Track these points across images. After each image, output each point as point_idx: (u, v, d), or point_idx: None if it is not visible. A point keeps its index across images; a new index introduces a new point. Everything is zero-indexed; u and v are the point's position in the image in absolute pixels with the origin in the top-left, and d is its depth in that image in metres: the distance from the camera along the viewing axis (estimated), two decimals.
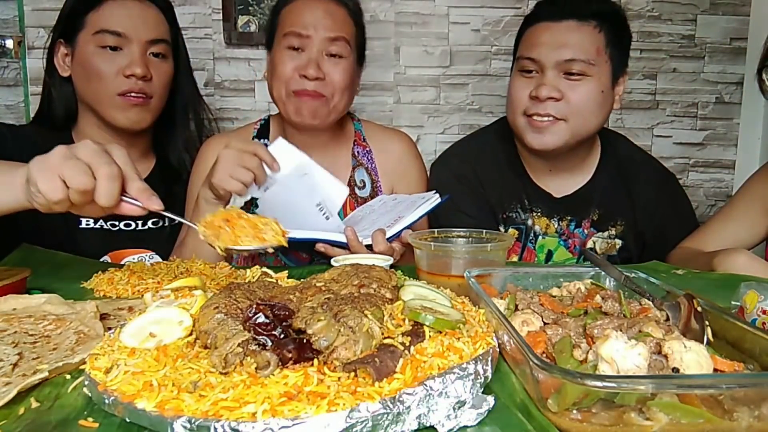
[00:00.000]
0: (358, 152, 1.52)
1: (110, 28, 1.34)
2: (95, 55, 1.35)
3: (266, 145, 1.44)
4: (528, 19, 1.43)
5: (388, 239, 1.14)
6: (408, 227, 1.17)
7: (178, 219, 0.88)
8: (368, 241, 1.14)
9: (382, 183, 1.52)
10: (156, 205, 0.81)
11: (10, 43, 2.04)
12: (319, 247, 1.15)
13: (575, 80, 1.33)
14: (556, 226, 1.51)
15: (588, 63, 1.32)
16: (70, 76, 1.42)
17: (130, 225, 1.46)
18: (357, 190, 1.49)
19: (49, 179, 0.77)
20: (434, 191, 1.27)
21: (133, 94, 1.37)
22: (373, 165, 1.53)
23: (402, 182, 1.53)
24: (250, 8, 2.08)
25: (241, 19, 2.09)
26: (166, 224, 1.51)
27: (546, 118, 1.35)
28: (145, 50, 1.38)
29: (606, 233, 1.51)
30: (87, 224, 1.42)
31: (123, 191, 0.80)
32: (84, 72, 1.38)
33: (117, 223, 1.45)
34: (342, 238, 1.14)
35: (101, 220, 1.44)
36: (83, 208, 0.81)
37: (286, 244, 0.86)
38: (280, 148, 1.20)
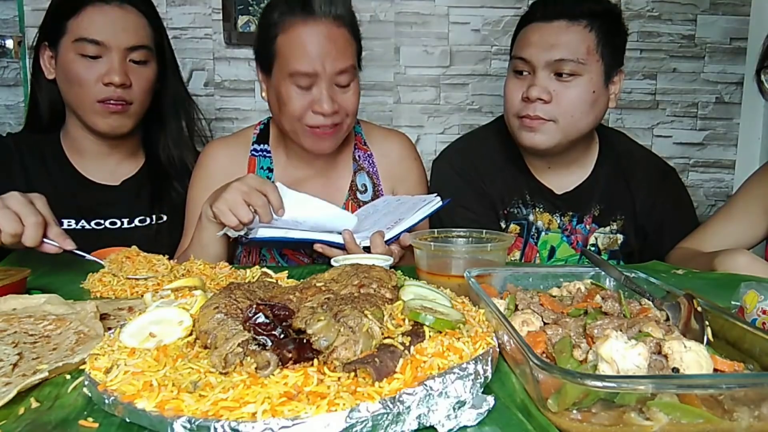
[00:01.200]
0: (359, 156, 1.50)
1: (89, 37, 1.33)
2: (75, 63, 1.35)
3: (268, 152, 1.46)
4: (522, 20, 1.44)
5: (386, 242, 1.13)
6: (407, 230, 1.16)
7: (82, 256, 1.09)
8: (367, 243, 1.14)
9: (384, 186, 1.50)
10: (69, 245, 1.05)
11: (10, 43, 2.04)
12: (317, 247, 1.16)
13: (566, 81, 1.34)
14: (558, 221, 1.51)
15: (578, 62, 1.33)
16: (55, 78, 1.43)
17: (115, 223, 1.46)
18: (359, 195, 1.47)
19: None
20: (435, 194, 1.27)
21: (112, 102, 1.37)
22: (375, 169, 1.50)
23: (402, 184, 1.52)
24: (250, 8, 2.08)
25: (241, 19, 2.10)
26: (153, 222, 1.51)
27: (536, 120, 1.36)
28: (125, 57, 1.37)
29: (608, 228, 1.52)
30: (69, 226, 1.41)
31: (44, 234, 1.03)
32: (65, 78, 1.38)
33: (102, 221, 1.45)
34: (339, 239, 1.14)
35: (83, 221, 1.44)
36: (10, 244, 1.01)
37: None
38: (281, 192, 1.19)
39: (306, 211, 1.19)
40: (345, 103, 1.30)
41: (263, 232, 1.13)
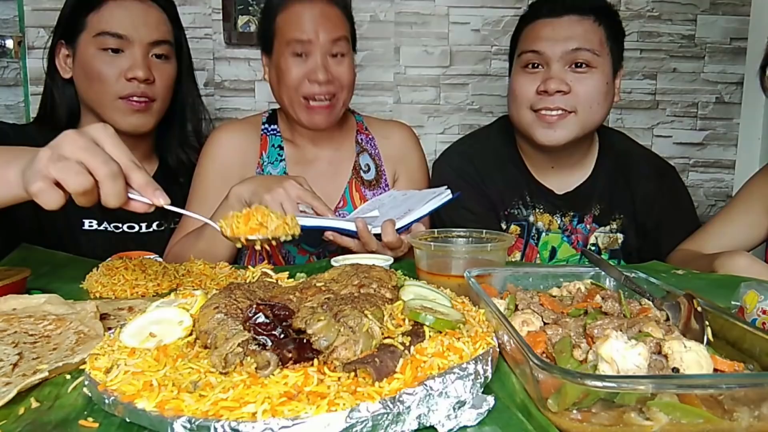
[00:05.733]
0: (361, 139, 1.58)
1: (111, 30, 1.32)
2: (96, 58, 1.33)
3: (278, 132, 1.52)
4: (525, 18, 1.44)
5: (397, 230, 1.13)
6: (418, 220, 1.17)
7: (194, 216, 0.85)
8: (377, 231, 1.13)
9: (386, 167, 1.57)
10: (163, 199, 0.76)
11: (10, 43, 2.04)
12: (328, 235, 1.15)
13: (582, 72, 1.35)
14: (558, 222, 1.51)
15: (593, 53, 1.34)
16: (71, 77, 1.40)
17: (133, 227, 1.45)
18: (362, 174, 1.54)
19: (45, 189, 0.71)
20: (446, 186, 1.27)
21: (135, 99, 1.35)
22: (376, 150, 1.58)
23: (404, 167, 1.59)
24: (250, 8, 2.08)
25: (241, 19, 2.10)
26: (172, 226, 1.50)
27: (555, 112, 1.36)
28: (147, 52, 1.36)
29: (607, 227, 1.52)
30: (90, 226, 1.41)
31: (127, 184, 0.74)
32: (85, 75, 1.36)
33: (120, 225, 1.44)
34: (351, 227, 1.13)
35: (105, 222, 1.43)
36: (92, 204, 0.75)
37: (296, 231, 0.87)
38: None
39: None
40: (339, 74, 1.39)
41: None
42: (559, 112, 1.35)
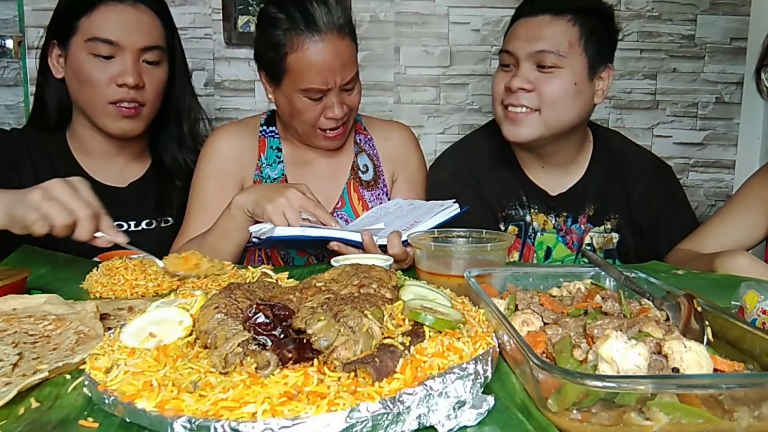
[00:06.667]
0: (359, 140, 1.57)
1: (102, 36, 1.31)
2: (87, 63, 1.33)
3: (276, 134, 1.52)
4: (512, 18, 1.47)
5: (403, 242, 1.13)
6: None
7: (142, 254, 1.09)
8: (383, 242, 1.13)
9: (384, 168, 1.56)
10: (122, 239, 1.02)
11: (10, 43, 2.04)
12: (333, 245, 1.15)
13: (547, 72, 1.36)
14: (553, 222, 1.51)
15: (558, 54, 1.34)
16: (64, 77, 1.40)
17: (122, 226, 1.45)
18: (360, 174, 1.53)
19: (38, 221, 0.96)
20: (454, 200, 1.26)
21: (125, 104, 1.35)
22: (375, 151, 1.57)
23: (403, 169, 1.58)
24: (250, 8, 2.08)
25: (241, 19, 2.10)
26: (162, 225, 1.50)
27: (519, 109, 1.38)
28: (138, 58, 1.35)
29: (602, 227, 1.52)
30: None
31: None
32: (76, 78, 1.36)
33: None
34: (357, 237, 1.13)
35: None
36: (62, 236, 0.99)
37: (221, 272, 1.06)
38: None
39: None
40: (351, 102, 1.40)
41: (280, 231, 1.11)
42: (524, 109, 1.37)
